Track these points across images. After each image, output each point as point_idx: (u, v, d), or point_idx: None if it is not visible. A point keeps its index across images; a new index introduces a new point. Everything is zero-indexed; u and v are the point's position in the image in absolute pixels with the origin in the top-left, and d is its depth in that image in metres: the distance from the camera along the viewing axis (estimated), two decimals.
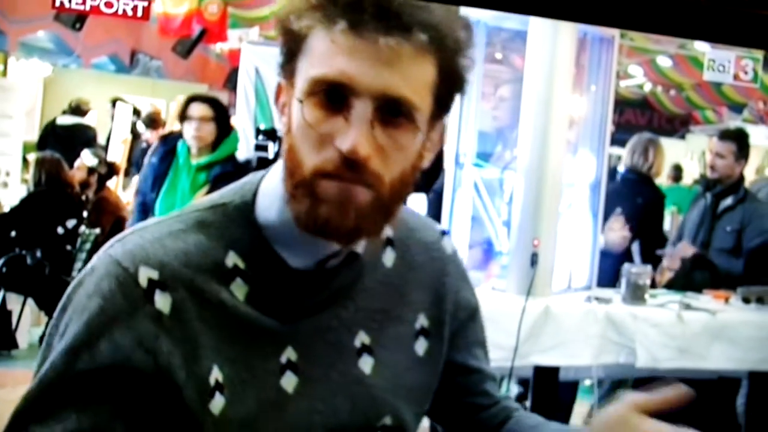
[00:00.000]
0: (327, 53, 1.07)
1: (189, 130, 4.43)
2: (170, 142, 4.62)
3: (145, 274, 1.08)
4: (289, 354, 1.15)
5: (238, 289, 1.13)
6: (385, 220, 1.14)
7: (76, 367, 1.05)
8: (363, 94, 1.05)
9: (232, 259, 1.14)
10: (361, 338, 1.22)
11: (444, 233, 1.39)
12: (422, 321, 1.30)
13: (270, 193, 1.17)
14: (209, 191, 4.34)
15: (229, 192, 1.21)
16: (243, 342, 1.12)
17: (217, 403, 1.09)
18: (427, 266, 1.32)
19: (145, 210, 4.52)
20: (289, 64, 1.13)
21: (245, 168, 4.65)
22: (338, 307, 1.20)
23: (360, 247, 1.20)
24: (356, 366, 1.21)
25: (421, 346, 1.29)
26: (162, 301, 1.08)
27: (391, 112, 1.07)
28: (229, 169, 4.46)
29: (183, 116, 4.49)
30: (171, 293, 1.09)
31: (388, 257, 1.28)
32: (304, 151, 1.08)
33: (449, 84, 1.13)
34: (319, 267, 1.17)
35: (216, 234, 1.15)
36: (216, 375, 1.09)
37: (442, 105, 1.14)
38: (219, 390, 1.09)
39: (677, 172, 11.76)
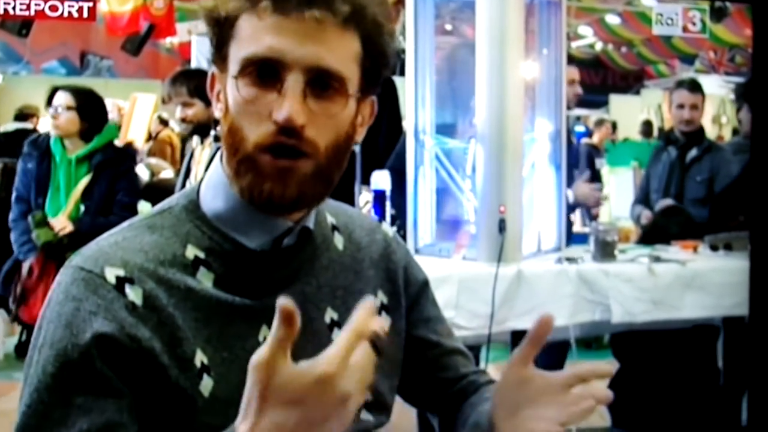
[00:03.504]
0: (255, 33, 1.12)
1: (50, 119, 4.34)
2: (42, 143, 4.46)
3: (111, 273, 1.11)
4: (265, 333, 1.16)
5: (204, 277, 1.16)
6: (326, 188, 1.18)
7: (68, 365, 1.05)
8: (293, 67, 1.10)
9: (191, 252, 1.17)
10: (330, 314, 1.26)
11: (380, 221, 1.46)
12: (381, 297, 1.35)
13: (213, 185, 1.21)
14: (92, 180, 4.34)
15: (173, 198, 1.25)
16: (219, 323, 1.15)
17: (206, 384, 1.12)
18: (372, 246, 1.37)
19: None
20: (220, 53, 1.17)
21: (125, 153, 4.57)
22: (301, 284, 1.24)
23: (311, 222, 1.24)
24: (330, 339, 1.22)
25: (385, 322, 1.31)
26: (133, 294, 1.10)
27: (322, 84, 1.12)
28: (110, 155, 4.41)
29: (47, 105, 4.41)
30: (140, 285, 1.11)
31: (338, 240, 1.33)
32: (244, 127, 1.13)
33: (374, 58, 1.18)
34: (276, 246, 1.20)
35: (169, 233, 1.19)
36: (201, 357, 1.12)
37: (369, 79, 1.20)
38: (206, 372, 1.12)
39: (647, 128, 11.80)
